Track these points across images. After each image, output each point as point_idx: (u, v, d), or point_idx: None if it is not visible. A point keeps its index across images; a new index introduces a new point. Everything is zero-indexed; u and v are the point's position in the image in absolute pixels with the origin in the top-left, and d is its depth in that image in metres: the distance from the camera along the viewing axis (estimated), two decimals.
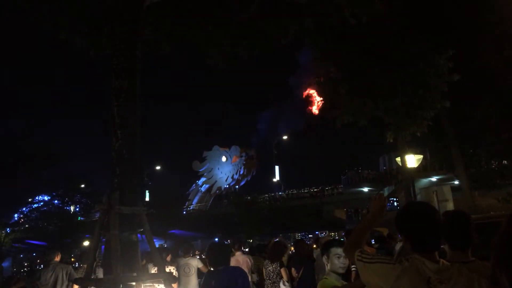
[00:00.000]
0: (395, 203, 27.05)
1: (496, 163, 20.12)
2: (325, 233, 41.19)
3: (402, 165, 13.59)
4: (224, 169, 52.21)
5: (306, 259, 7.08)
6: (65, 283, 6.97)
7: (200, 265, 7.37)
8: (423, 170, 22.72)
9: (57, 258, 7.28)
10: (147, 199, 37.33)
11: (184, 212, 44.97)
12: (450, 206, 10.46)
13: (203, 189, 53.02)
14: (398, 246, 8.44)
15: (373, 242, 8.88)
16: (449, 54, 11.04)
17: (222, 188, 51.88)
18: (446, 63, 11.14)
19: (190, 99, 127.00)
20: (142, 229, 3.89)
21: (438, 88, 11.38)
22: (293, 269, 6.90)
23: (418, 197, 12.60)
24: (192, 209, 49.25)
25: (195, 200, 52.43)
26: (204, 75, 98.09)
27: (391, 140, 13.08)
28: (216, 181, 52.45)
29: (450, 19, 11.92)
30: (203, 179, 53.24)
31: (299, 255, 7.31)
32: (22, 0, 5.86)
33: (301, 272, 6.68)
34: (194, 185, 54.16)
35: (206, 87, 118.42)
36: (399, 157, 13.83)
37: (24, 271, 33.90)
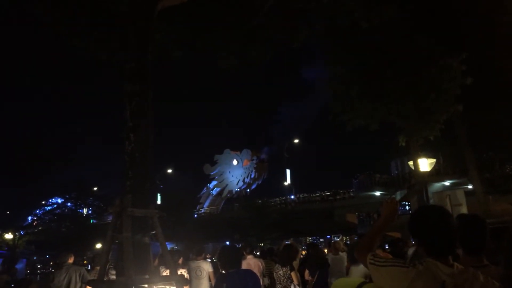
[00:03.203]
0: (407, 207, 26.77)
1: (511, 167, 19.85)
2: (339, 237, 40.87)
3: (415, 169, 13.46)
4: (235, 172, 52.15)
5: (321, 263, 7.03)
6: (78, 285, 7.04)
7: (211, 269, 7.37)
8: (436, 174, 22.50)
9: (70, 260, 7.36)
10: (158, 202, 37.47)
11: (196, 216, 45.01)
12: (464, 210, 10.26)
13: (214, 192, 53.00)
14: (411, 251, 8.35)
15: (386, 247, 8.79)
16: (462, 57, 10.92)
17: (233, 192, 51.81)
18: (459, 66, 11.01)
19: (202, 102, 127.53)
20: (154, 232, 3.91)
21: (451, 92, 11.25)
22: (306, 272, 6.87)
23: (431, 201, 12.44)
24: (204, 212, 49.31)
25: (206, 204, 52.45)
26: (214, 78, 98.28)
27: (403, 144, 12.95)
28: (227, 185, 52.41)
29: (463, 21, 11.78)
30: (214, 183, 53.23)
31: (315, 259, 7.25)
32: (36, 7, 5.98)
33: (316, 276, 6.65)
34: (205, 188, 54.21)
35: (217, 90, 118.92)
36: (412, 161, 13.70)
37: (38, 273, 34.22)
